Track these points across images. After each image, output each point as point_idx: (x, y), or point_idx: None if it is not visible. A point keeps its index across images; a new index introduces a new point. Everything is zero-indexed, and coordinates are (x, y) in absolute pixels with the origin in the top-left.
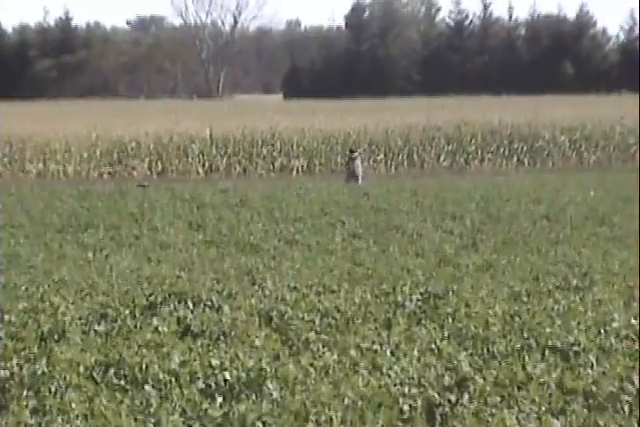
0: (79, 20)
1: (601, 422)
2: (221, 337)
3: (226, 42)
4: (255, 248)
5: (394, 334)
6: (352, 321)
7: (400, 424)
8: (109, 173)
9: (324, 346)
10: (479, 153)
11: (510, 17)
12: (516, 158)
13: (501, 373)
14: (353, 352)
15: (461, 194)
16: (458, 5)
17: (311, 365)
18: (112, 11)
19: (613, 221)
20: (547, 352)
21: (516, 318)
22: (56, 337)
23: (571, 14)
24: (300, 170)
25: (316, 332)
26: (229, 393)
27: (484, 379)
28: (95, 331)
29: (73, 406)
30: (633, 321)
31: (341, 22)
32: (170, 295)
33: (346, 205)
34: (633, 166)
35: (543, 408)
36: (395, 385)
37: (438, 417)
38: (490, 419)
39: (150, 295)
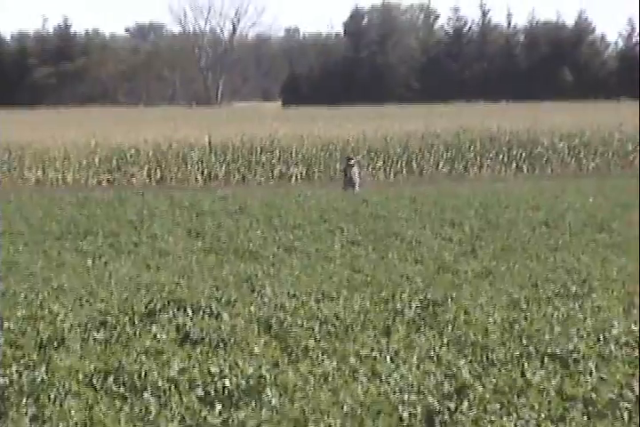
0: (78, 28)
1: None
2: (220, 344)
3: (225, 49)
4: (254, 255)
5: (393, 342)
6: (351, 328)
7: None
8: (108, 180)
9: (323, 353)
10: (478, 160)
11: (509, 24)
12: (514, 165)
13: (501, 380)
14: (352, 359)
15: (460, 201)
16: (456, 12)
17: (310, 372)
18: (111, 18)
19: (612, 228)
20: (546, 359)
21: (516, 326)
22: (55, 344)
23: (569, 21)
24: (298, 177)
25: (315, 339)
26: (228, 400)
27: (484, 386)
28: (94, 338)
29: (72, 413)
30: (633, 328)
31: (340, 29)
32: (169, 303)
33: (345, 212)
34: (632, 173)
35: (543, 415)
36: (394, 392)
37: (438, 425)
38: (489, 426)
39: (149, 303)
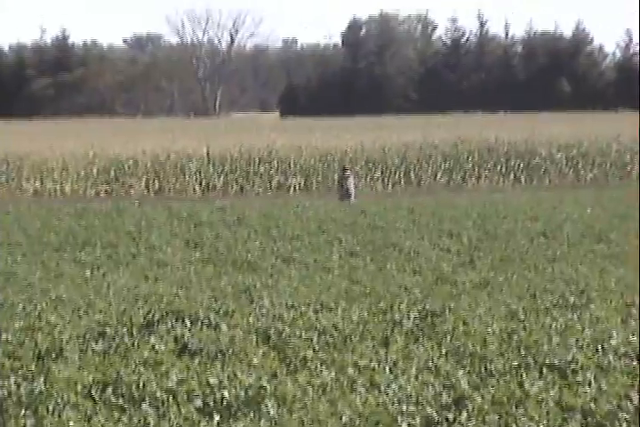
0: (76, 39)
1: None
2: (219, 355)
3: (222, 60)
4: (252, 266)
5: (391, 352)
6: (350, 339)
7: None
8: (106, 191)
9: (321, 364)
10: (476, 170)
11: (507, 34)
12: (512, 176)
13: (499, 391)
14: (351, 370)
15: (458, 211)
16: (454, 23)
17: (309, 383)
18: (109, 29)
19: (610, 239)
20: (544, 370)
21: (514, 336)
22: (54, 356)
23: (567, 32)
24: (297, 188)
25: (313, 350)
26: (227, 411)
27: (482, 397)
28: (93, 349)
29: (71, 424)
30: (631, 339)
31: (338, 40)
32: (167, 314)
33: (343, 222)
34: (630, 183)
35: (541, 426)
36: (393, 403)
37: None
38: None
39: (148, 314)
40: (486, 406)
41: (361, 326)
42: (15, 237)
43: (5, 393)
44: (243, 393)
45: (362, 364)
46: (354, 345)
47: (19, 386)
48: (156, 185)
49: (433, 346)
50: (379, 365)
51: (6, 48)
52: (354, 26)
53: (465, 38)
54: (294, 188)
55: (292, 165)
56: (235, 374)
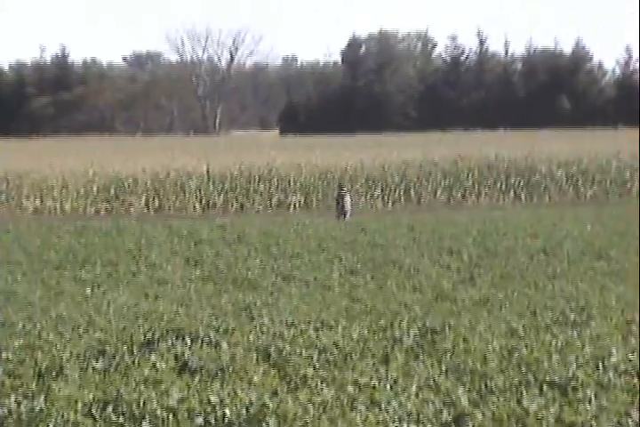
0: (76, 57)
1: None
2: (219, 373)
3: (222, 78)
4: (252, 284)
5: (392, 370)
6: (350, 357)
7: None
8: (106, 209)
9: (322, 382)
10: (476, 188)
11: (506, 52)
12: (512, 193)
13: (500, 408)
14: (351, 388)
15: (458, 229)
16: (454, 41)
17: (309, 400)
18: (108, 47)
19: (610, 256)
20: (545, 387)
21: (514, 353)
22: (54, 374)
23: (567, 49)
24: (297, 206)
25: (314, 368)
26: None
27: (483, 414)
28: (93, 367)
29: None
30: (631, 356)
31: (338, 58)
32: (167, 332)
33: (343, 240)
34: (630, 200)
35: None
36: (393, 421)
37: None
38: None
39: (148, 332)
40: (486, 424)
41: (361, 344)
42: (15, 255)
43: (6, 411)
44: (244, 411)
45: (362, 381)
46: (354, 363)
47: (19, 404)
48: (156, 203)
49: (433, 363)
50: (379, 382)
51: (6, 67)
52: (353, 44)
53: (465, 56)
54: (294, 205)
55: (291, 183)
56: (235, 392)
